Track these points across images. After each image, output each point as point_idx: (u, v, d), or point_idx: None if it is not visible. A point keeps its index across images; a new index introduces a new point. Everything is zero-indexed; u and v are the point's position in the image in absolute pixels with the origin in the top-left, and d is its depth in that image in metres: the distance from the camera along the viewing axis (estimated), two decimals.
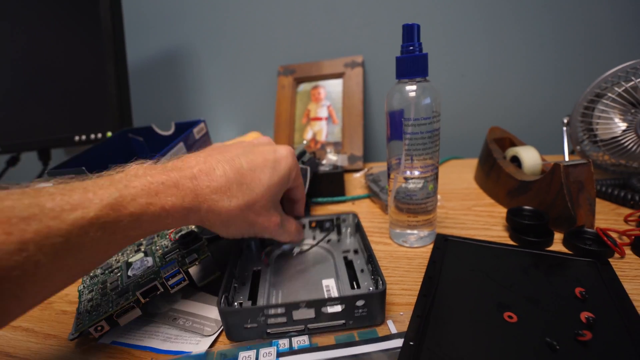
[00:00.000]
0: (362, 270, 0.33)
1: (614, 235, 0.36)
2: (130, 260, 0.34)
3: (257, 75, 0.81)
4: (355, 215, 0.39)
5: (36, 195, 0.20)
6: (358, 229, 0.37)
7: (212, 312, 0.30)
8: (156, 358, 0.26)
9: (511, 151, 0.50)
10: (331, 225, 0.40)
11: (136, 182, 0.23)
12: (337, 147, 0.69)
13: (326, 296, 0.30)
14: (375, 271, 0.29)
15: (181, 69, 0.85)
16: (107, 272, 0.34)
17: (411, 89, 0.32)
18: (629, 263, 0.32)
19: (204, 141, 0.51)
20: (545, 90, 0.68)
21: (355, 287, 0.31)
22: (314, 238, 0.40)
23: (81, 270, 0.22)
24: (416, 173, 0.34)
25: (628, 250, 0.34)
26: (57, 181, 0.22)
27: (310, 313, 0.26)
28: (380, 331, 0.26)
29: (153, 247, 0.35)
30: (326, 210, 0.51)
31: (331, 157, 0.59)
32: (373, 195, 0.51)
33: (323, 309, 0.26)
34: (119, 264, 0.35)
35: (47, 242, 0.19)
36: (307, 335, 0.26)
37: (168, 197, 0.24)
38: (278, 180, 0.30)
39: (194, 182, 0.25)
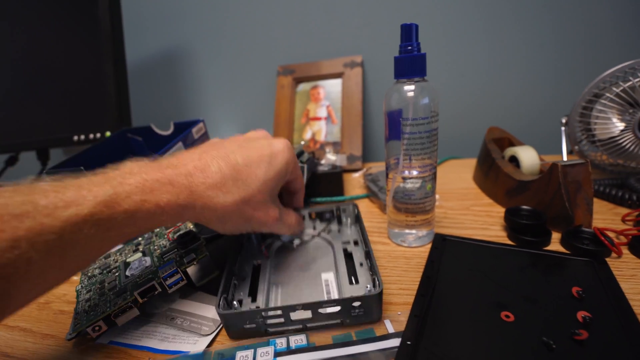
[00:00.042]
0: (361, 264, 0.33)
1: (611, 234, 0.36)
2: (128, 260, 0.34)
3: (256, 75, 0.81)
4: (355, 205, 0.39)
5: (29, 192, 0.20)
6: (358, 219, 0.38)
7: (210, 312, 0.30)
8: (154, 358, 0.26)
9: (510, 151, 0.50)
10: (331, 215, 0.40)
11: (131, 180, 0.23)
12: (336, 147, 0.69)
13: (325, 292, 0.31)
14: (373, 270, 0.29)
15: (180, 68, 0.85)
16: (105, 272, 0.34)
17: (409, 88, 0.32)
18: (625, 262, 0.32)
19: (203, 141, 0.51)
20: (544, 90, 0.68)
21: (354, 281, 0.31)
22: (314, 228, 0.40)
23: (75, 268, 0.22)
24: (414, 173, 0.35)
25: (625, 250, 0.34)
26: (51, 179, 0.22)
27: (307, 314, 0.26)
28: (378, 331, 0.26)
29: (151, 247, 0.35)
30: None
31: (330, 157, 0.59)
32: (372, 195, 0.51)
33: (320, 310, 0.26)
34: (117, 264, 0.35)
35: (40, 240, 0.19)
36: (304, 335, 0.26)
37: (163, 194, 0.24)
38: (274, 174, 0.29)
39: (189, 179, 0.25)
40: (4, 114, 0.70)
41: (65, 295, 0.36)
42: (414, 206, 0.36)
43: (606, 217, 0.40)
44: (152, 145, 0.52)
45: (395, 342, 0.25)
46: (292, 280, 0.33)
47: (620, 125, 0.44)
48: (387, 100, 0.33)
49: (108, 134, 0.64)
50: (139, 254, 0.35)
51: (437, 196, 0.49)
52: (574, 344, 0.23)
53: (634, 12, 0.61)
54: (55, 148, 0.80)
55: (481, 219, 0.43)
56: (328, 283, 0.32)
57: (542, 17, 0.64)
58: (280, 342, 0.26)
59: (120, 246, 0.40)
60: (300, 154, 0.49)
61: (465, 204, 0.48)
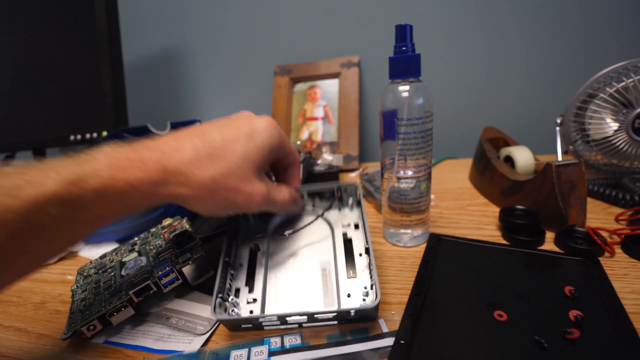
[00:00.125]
0: (360, 255, 0.32)
1: (604, 234, 0.36)
2: (124, 259, 0.34)
3: (254, 75, 0.81)
4: (357, 186, 0.37)
5: None
6: (359, 204, 0.36)
7: (205, 311, 0.30)
8: (149, 357, 0.26)
9: (505, 151, 0.50)
10: (332, 195, 0.38)
11: (100, 157, 0.23)
12: (333, 147, 0.69)
13: (322, 286, 0.30)
14: (372, 278, 0.28)
15: (177, 68, 0.85)
16: (100, 271, 0.34)
17: (404, 89, 0.32)
18: (618, 262, 0.32)
19: None
20: (542, 90, 0.68)
21: (352, 274, 0.31)
22: (313, 206, 0.38)
23: (47, 252, 0.22)
24: (409, 173, 0.35)
25: (618, 249, 0.34)
26: (19, 163, 0.21)
27: (302, 318, 0.26)
28: (372, 330, 0.26)
29: (147, 247, 0.35)
30: None
31: (327, 157, 0.59)
32: (368, 195, 0.51)
33: (316, 316, 0.26)
34: (113, 264, 0.35)
35: (2, 220, 0.18)
36: (299, 334, 0.26)
37: (134, 170, 0.23)
38: (256, 149, 0.27)
39: (161, 156, 0.24)
40: (1, 113, 0.70)
41: (61, 295, 0.36)
42: (408, 206, 0.36)
43: (600, 216, 0.41)
44: None
45: (389, 341, 0.25)
46: (289, 271, 0.32)
47: (614, 126, 0.44)
48: (382, 100, 0.34)
49: (105, 133, 0.63)
50: (135, 254, 0.35)
51: (432, 196, 0.49)
52: (565, 343, 0.23)
53: (633, 12, 0.61)
54: (52, 148, 0.79)
55: (476, 219, 0.43)
56: (326, 272, 0.31)
57: (540, 18, 0.65)
58: (275, 342, 0.26)
59: (116, 246, 0.40)
60: None
61: (460, 203, 0.48)
